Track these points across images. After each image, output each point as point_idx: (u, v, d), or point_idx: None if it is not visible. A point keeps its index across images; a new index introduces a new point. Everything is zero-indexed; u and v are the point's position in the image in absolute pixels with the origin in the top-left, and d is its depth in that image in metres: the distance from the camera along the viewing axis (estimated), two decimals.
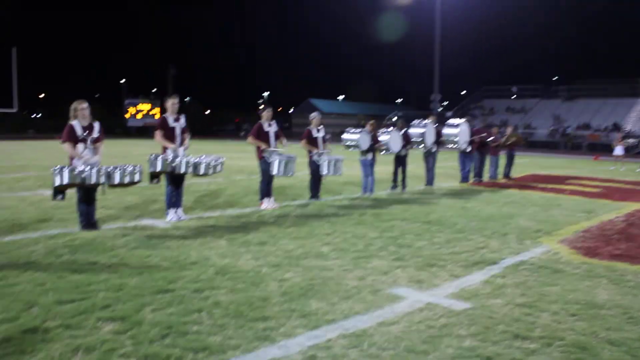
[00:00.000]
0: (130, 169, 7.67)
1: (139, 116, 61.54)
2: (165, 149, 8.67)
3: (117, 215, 9.14)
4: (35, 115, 77.31)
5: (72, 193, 8.11)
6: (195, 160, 8.47)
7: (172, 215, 8.76)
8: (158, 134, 8.73)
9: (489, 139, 16.21)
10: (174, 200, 8.80)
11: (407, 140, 13.49)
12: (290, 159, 9.98)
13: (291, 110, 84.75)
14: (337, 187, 13.50)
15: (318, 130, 11.18)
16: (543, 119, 56.03)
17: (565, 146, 48.40)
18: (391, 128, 13.15)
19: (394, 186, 13.66)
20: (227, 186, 13.48)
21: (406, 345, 4.15)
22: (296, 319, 4.56)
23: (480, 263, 6.70)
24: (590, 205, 12.11)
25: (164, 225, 8.32)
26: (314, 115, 11.26)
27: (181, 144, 8.79)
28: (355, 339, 4.24)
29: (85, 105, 7.84)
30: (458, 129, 14.42)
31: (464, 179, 16.01)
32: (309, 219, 9.15)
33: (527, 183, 16.66)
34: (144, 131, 57.29)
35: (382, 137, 12.66)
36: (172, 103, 8.73)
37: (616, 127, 50.53)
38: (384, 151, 12.87)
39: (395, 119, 65.03)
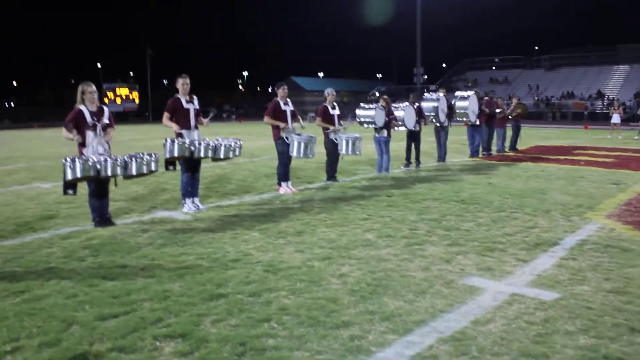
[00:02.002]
0: (147, 157, 6.94)
1: (118, 101, 59.98)
2: (179, 133, 7.93)
3: (127, 207, 8.42)
4: (8, 104, 75.15)
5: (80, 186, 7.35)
6: (215, 143, 7.77)
7: (189, 206, 8.06)
8: (168, 117, 7.96)
9: (496, 111, 15.67)
10: (190, 189, 8.09)
11: (420, 115, 12.88)
12: (310, 139, 9.31)
13: (270, 89, 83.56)
14: (348, 166, 12.85)
15: (334, 107, 10.50)
16: (526, 89, 55.80)
17: (554, 116, 48.11)
18: (376, 104, 12.22)
19: (408, 164, 13.07)
20: (233, 170, 12.77)
21: (519, 348, 3.59)
22: (380, 323, 3.96)
23: (540, 244, 6.17)
24: (613, 176, 11.66)
25: (183, 217, 7.63)
26: (330, 91, 10.56)
27: (196, 127, 8.06)
28: (458, 343, 3.66)
29: (93, 88, 7.07)
30: (468, 102, 13.82)
31: (474, 152, 15.48)
32: (337, 203, 8.52)
33: (537, 155, 16.19)
34: (124, 117, 55.88)
35: (397, 113, 12.01)
36: (182, 83, 7.94)
37: (600, 95, 50.50)
38: (400, 128, 12.24)
39: (377, 94, 64.47)
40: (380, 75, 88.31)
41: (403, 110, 12.07)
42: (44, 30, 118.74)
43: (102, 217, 7.15)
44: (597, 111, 47.28)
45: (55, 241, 6.39)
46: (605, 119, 41.81)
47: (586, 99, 50.94)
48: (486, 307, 4.31)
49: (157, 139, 25.13)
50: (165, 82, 77.07)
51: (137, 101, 61.79)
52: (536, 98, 52.20)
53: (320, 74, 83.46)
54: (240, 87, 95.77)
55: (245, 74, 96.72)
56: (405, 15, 65.12)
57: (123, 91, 60.57)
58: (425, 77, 63.90)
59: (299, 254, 5.75)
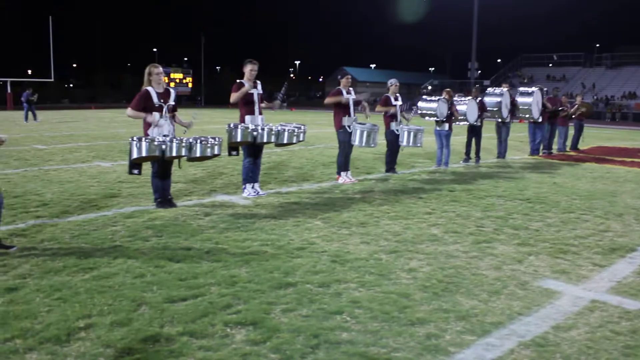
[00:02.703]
0: (211, 140, 6.91)
1: (172, 85, 60.89)
2: (243, 118, 7.87)
3: (187, 190, 8.45)
4: (68, 85, 77.21)
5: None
6: (279, 129, 7.68)
7: (250, 191, 8.01)
8: (236, 97, 7.83)
9: (559, 109, 15.14)
10: (251, 175, 8.04)
11: (482, 109, 12.54)
12: (373, 128, 9.14)
13: (320, 78, 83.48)
14: (405, 159, 12.62)
15: (396, 98, 10.28)
16: (586, 86, 54.02)
17: (613, 117, 46.47)
18: (439, 97, 11.95)
19: (467, 158, 12.77)
20: (289, 157, 12.71)
21: None
22: (456, 322, 3.79)
23: (617, 250, 5.86)
24: None
25: (244, 202, 7.59)
26: (393, 82, 10.36)
27: (260, 112, 7.98)
28: (541, 349, 3.46)
29: (160, 69, 7.06)
30: (532, 98, 13.37)
31: (534, 150, 15.00)
32: (398, 196, 8.34)
33: (600, 156, 15.59)
34: (178, 100, 56.57)
35: (460, 107, 11.71)
36: (251, 69, 7.84)
37: None
38: (461, 121, 11.95)
39: (430, 87, 63.64)
40: (433, 69, 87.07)
41: (465, 104, 11.76)
42: (102, 16, 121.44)
43: (164, 198, 7.16)
44: None
45: (119, 219, 6.42)
46: None
47: None
48: (566, 313, 4.09)
49: (210, 123, 25.36)
50: (218, 68, 77.76)
51: (190, 85, 62.61)
52: (595, 97, 50.50)
53: (373, 66, 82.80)
54: (292, 75, 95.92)
55: (297, 62, 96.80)
56: (462, 9, 64.06)
57: (177, 75, 61.43)
58: (479, 71, 62.85)
59: (365, 245, 5.62)
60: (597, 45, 67.01)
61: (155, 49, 71.74)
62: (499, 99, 12.50)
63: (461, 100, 11.86)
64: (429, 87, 63.39)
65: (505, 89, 13.05)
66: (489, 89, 13.23)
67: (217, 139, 6.99)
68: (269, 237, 5.79)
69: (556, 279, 4.86)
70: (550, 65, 61.59)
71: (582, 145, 17.39)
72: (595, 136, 24.73)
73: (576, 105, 16.27)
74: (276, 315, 3.78)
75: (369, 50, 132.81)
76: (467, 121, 11.92)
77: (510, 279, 4.77)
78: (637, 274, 5.12)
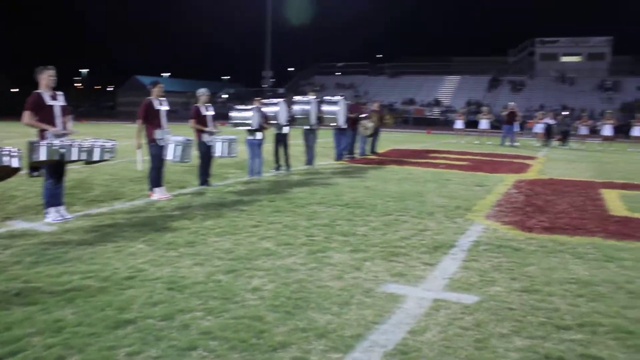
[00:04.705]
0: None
1: None
2: (43, 133, 6.96)
3: None
4: None
5: None
6: (89, 145, 6.92)
7: (54, 215, 7.11)
8: (30, 116, 6.94)
9: (362, 116, 15.94)
10: (55, 197, 7.15)
11: (291, 116, 12.68)
12: (188, 142, 8.70)
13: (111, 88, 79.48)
14: (216, 170, 12.25)
15: (207, 108, 9.93)
16: (371, 94, 58.13)
17: (396, 121, 50.49)
18: (252, 106, 11.95)
19: (278, 167, 12.79)
20: (91, 174, 11.62)
21: (467, 356, 3.50)
22: (317, 341, 3.63)
23: (439, 247, 6.21)
24: (473, 178, 12.30)
25: (49, 229, 6.69)
26: (203, 92, 9.99)
27: (64, 126, 7.13)
28: (406, 357, 3.44)
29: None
30: (338, 106, 13.88)
31: (339, 156, 15.60)
32: (220, 210, 8.00)
33: (398, 158, 16.70)
34: None
35: (269, 109, 11.71)
36: (48, 75, 6.99)
37: (437, 102, 54.02)
38: (275, 127, 11.98)
39: (226, 96, 63.74)
40: (228, 77, 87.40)
41: (277, 106, 11.80)
42: None
43: None
44: (434, 117, 50.57)
45: None
46: (444, 124, 44.86)
47: (425, 105, 54.21)
48: (416, 316, 4.16)
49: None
50: None
51: None
52: (381, 103, 54.51)
53: (166, 74, 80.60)
54: (79, 84, 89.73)
55: (84, 71, 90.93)
56: (252, 17, 65.07)
57: None
58: (274, 80, 64.30)
59: (199, 267, 5.22)
60: (380, 55, 72.53)
61: None
62: (307, 107, 12.74)
63: (270, 103, 11.90)
64: (226, 96, 63.48)
65: (312, 97, 13.35)
66: (297, 97, 13.44)
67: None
68: (90, 267, 5.12)
69: (396, 282, 4.95)
70: (339, 73, 65.27)
71: (380, 149, 18.53)
72: (386, 139, 26.54)
73: (372, 111, 17.24)
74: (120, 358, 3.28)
75: (162, 59, 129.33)
76: (279, 123, 11.97)
77: (355, 288, 4.74)
78: (463, 269, 5.43)
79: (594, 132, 29.04)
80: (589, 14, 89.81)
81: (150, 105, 8.61)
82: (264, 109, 11.72)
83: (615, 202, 9.47)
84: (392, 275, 5.15)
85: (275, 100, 11.42)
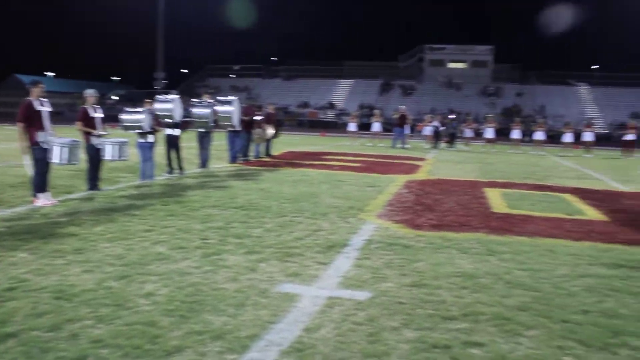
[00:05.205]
0: None
1: None
2: None
3: None
4: None
5: None
6: None
7: None
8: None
9: (257, 118, 15.95)
10: None
11: (185, 118, 12.47)
12: (74, 143, 8.33)
13: None
14: (106, 174, 11.82)
15: (95, 110, 9.58)
16: (265, 97, 58.26)
17: (289, 124, 50.88)
18: (142, 108, 11.69)
19: (170, 170, 12.53)
20: None
21: (360, 350, 3.65)
22: (213, 343, 3.63)
23: (333, 247, 6.36)
24: (366, 179, 12.67)
25: None
26: (90, 93, 9.61)
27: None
28: (301, 354, 3.53)
29: None
30: (233, 107, 13.80)
31: (233, 158, 15.52)
32: (110, 215, 7.74)
33: (293, 160, 16.86)
34: None
35: (162, 106, 11.45)
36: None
37: (331, 105, 55.01)
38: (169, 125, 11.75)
39: (117, 97, 61.56)
40: (119, 79, 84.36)
41: (171, 104, 11.56)
42: None
43: None
44: (328, 120, 51.46)
45: None
46: (338, 127, 45.74)
47: (319, 108, 55.01)
48: (310, 314, 4.25)
49: None
50: None
51: None
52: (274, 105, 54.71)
53: (50, 74, 76.50)
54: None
55: None
56: (145, 17, 63.24)
57: None
58: (166, 81, 62.85)
59: (89, 274, 5.04)
60: (275, 59, 72.70)
61: None
62: (207, 110, 12.58)
63: (162, 100, 11.64)
64: (116, 98, 61.30)
65: (210, 100, 13.20)
66: (194, 100, 13.26)
67: None
68: None
69: (291, 282, 5.03)
70: (234, 76, 64.85)
71: (274, 151, 18.63)
72: (281, 142, 26.70)
73: (267, 113, 17.31)
74: None
75: (46, 57, 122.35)
76: (173, 120, 11.74)
77: (250, 289, 4.76)
78: (356, 266, 5.60)
79: (478, 134, 30.75)
80: (473, 24, 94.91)
81: (30, 106, 8.19)
82: (158, 105, 11.45)
83: (497, 200, 10.09)
84: (287, 275, 5.22)
85: (169, 97, 11.13)
